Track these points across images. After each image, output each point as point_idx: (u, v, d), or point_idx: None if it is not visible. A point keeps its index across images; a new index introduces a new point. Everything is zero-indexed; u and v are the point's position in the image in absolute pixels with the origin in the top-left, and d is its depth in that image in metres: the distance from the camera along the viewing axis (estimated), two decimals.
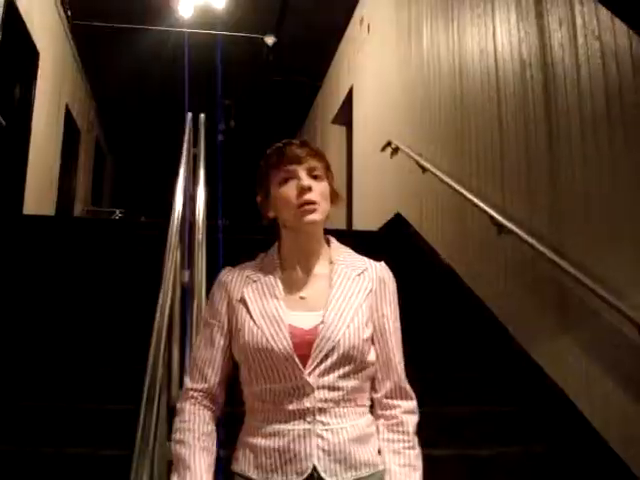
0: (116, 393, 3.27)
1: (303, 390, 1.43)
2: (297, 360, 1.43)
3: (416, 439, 1.53)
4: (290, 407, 1.43)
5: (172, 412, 2.32)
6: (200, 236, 3.36)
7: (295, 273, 1.56)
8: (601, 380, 3.13)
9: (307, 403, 1.43)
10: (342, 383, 1.45)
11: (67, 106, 8.86)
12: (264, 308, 1.50)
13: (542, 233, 3.66)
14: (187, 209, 3.86)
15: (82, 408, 3.23)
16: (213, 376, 1.55)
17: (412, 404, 1.56)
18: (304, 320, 1.48)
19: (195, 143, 5.07)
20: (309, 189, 1.48)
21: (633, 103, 3.02)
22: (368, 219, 7.48)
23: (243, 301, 1.53)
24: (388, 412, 1.54)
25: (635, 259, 2.95)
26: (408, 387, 1.57)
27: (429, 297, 4.82)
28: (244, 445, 1.51)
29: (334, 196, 1.57)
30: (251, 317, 1.49)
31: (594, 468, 3.09)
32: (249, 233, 6.82)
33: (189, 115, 5.38)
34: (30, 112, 6.92)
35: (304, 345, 1.45)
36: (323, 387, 1.43)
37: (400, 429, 1.52)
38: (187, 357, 2.67)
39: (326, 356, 1.44)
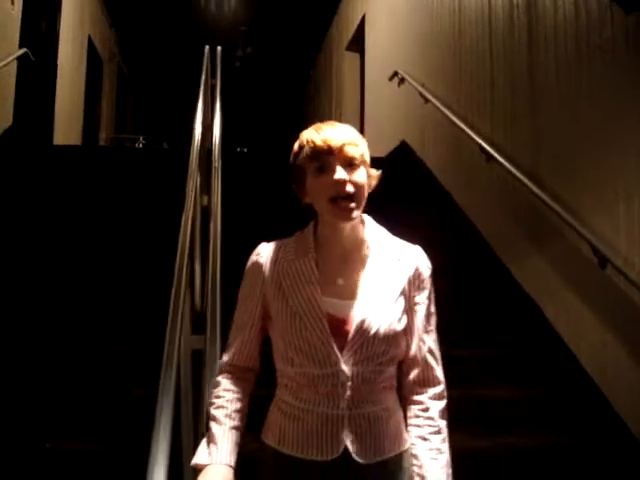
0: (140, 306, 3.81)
1: (337, 377, 1.44)
2: (335, 349, 1.44)
3: (443, 423, 1.54)
4: (325, 391, 1.45)
5: (196, 317, 2.85)
6: (217, 163, 3.80)
7: (330, 257, 1.53)
8: (563, 292, 3.62)
9: (341, 389, 1.44)
10: (376, 370, 1.47)
11: (90, 37, 9.20)
12: (301, 294, 1.48)
13: (522, 161, 4.08)
14: (206, 138, 4.29)
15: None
16: (248, 353, 1.58)
17: (439, 389, 1.55)
18: (340, 308, 1.48)
19: (213, 74, 5.45)
20: (344, 183, 1.43)
21: (597, 44, 3.38)
22: (378, 145, 7.87)
23: (280, 285, 1.51)
24: (416, 397, 1.54)
25: (593, 187, 3.38)
26: (437, 373, 1.56)
27: (427, 215, 5.30)
28: (276, 418, 1.54)
29: (371, 180, 1.52)
30: (288, 303, 1.48)
31: (546, 359, 3.62)
32: (267, 160, 7.30)
33: (207, 48, 5.73)
34: (56, 46, 7.31)
35: (340, 334, 1.45)
36: (357, 375, 1.45)
37: (427, 414, 1.52)
38: (207, 272, 3.15)
39: (361, 345, 1.44)
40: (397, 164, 6.58)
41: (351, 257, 1.53)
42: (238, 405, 1.54)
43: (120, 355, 3.48)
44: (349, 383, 1.44)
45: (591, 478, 3.05)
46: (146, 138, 12.56)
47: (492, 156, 4.32)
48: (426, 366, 1.54)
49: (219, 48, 5.84)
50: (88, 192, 5.35)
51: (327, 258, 1.52)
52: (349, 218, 1.45)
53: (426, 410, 1.53)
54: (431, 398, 1.54)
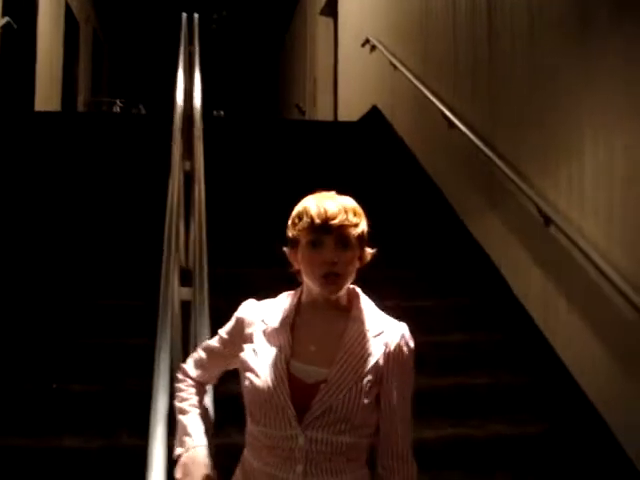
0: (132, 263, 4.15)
1: (296, 441, 1.45)
2: (293, 413, 1.45)
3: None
4: (282, 454, 1.46)
5: (183, 271, 3.18)
6: (198, 132, 4.09)
7: (311, 322, 1.55)
8: (514, 249, 4.02)
9: (298, 454, 1.44)
10: (338, 441, 1.46)
11: (66, 1, 9.31)
12: (270, 356, 1.51)
13: (479, 128, 4.44)
14: (186, 104, 4.56)
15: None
16: (209, 376, 1.71)
17: (412, 471, 1.54)
18: (308, 374, 1.49)
19: (190, 41, 5.69)
20: (335, 264, 1.45)
21: (549, 19, 3.73)
22: (351, 109, 8.18)
23: (253, 345, 1.55)
24: (386, 476, 1.52)
25: (540, 153, 3.76)
26: (410, 457, 1.53)
27: (395, 177, 5.67)
28: (237, 477, 1.60)
29: (365, 257, 1.54)
30: (256, 363, 1.52)
31: (499, 308, 4.04)
32: (245, 124, 7.56)
33: (184, 15, 5.94)
34: (35, 11, 7.46)
35: (304, 399, 1.46)
36: (316, 441, 1.44)
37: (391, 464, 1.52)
38: (191, 230, 3.45)
39: (322, 414, 1.45)
40: (368, 128, 6.92)
41: (331, 326, 1.53)
42: (200, 397, 1.67)
43: (111, 309, 3.83)
44: (307, 448, 1.44)
45: (541, 411, 3.50)
46: (123, 101, 12.71)
47: (453, 123, 4.67)
48: (399, 452, 1.51)
49: (196, 15, 6.04)
50: (72, 157, 5.58)
51: (308, 322, 1.55)
52: (334, 293, 1.50)
53: (390, 468, 1.52)
54: (403, 478, 1.52)
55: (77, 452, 2.96)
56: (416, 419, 1.57)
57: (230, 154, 5.61)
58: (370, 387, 1.48)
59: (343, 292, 1.52)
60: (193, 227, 3.39)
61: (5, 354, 3.42)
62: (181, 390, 1.67)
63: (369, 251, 1.54)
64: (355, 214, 1.48)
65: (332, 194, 1.53)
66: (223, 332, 1.64)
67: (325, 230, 1.45)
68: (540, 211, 3.62)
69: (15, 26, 6.31)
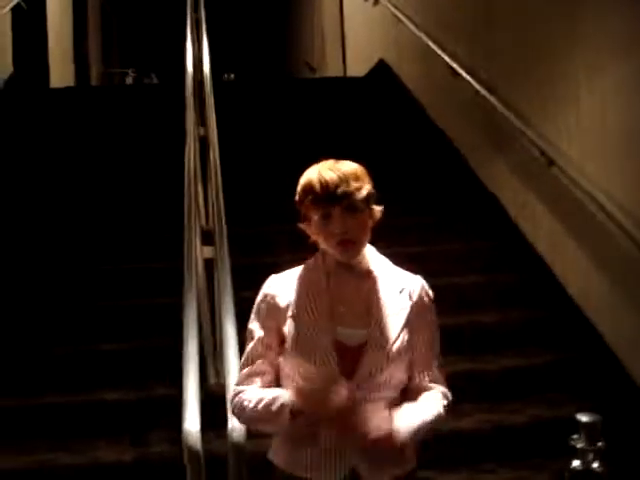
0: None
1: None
2: (342, 378, 1.48)
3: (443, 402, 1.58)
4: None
5: (204, 232, 3.38)
6: (209, 99, 4.24)
7: (339, 287, 1.57)
8: (522, 190, 4.16)
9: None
10: (383, 395, 1.51)
11: None
12: (312, 324, 1.53)
13: (483, 76, 4.53)
14: (196, 71, 4.69)
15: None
16: (264, 383, 1.57)
17: (443, 390, 1.60)
18: (352, 337, 1.53)
19: (196, 9, 5.79)
20: (346, 232, 1.49)
21: None
22: (359, 64, 8.24)
23: (293, 318, 1.55)
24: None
25: (542, 97, 3.87)
26: (441, 386, 1.60)
27: (405, 129, 5.79)
28: (283, 438, 1.58)
29: (376, 216, 1.56)
30: (300, 335, 1.53)
31: (513, 250, 4.21)
32: (255, 86, 7.67)
33: None
34: None
35: (349, 362, 1.50)
36: (366, 400, 1.48)
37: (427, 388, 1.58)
38: (209, 195, 3.63)
39: (369, 374, 1.50)
40: (376, 82, 7.01)
41: (359, 287, 1.57)
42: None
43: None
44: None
45: (546, 341, 3.69)
46: (135, 71, 12.83)
47: (457, 72, 4.76)
48: (431, 382, 1.58)
49: None
50: (89, 130, 5.74)
51: (337, 288, 1.57)
52: (353, 257, 1.54)
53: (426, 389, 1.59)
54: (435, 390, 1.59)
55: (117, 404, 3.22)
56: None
57: (242, 117, 5.75)
58: (407, 340, 1.54)
59: (361, 254, 1.56)
60: (210, 190, 3.58)
61: (38, 320, 3.67)
62: (239, 394, 1.56)
63: (377, 209, 1.56)
64: (357, 178, 1.51)
65: (331, 162, 1.54)
66: (257, 325, 1.58)
67: (330, 201, 1.48)
68: (543, 153, 3.74)
69: (25, 7, 6.45)
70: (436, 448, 2.33)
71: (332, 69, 9.88)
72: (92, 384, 3.33)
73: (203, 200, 3.69)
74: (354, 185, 1.49)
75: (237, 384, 1.59)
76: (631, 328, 3.21)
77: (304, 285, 1.58)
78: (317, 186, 1.49)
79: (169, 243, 3.63)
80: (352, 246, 1.51)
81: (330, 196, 1.47)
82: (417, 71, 6.02)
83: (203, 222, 3.71)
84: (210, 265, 3.15)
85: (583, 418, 1.70)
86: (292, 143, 5.27)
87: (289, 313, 1.55)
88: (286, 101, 6.36)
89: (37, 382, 3.34)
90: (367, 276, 1.58)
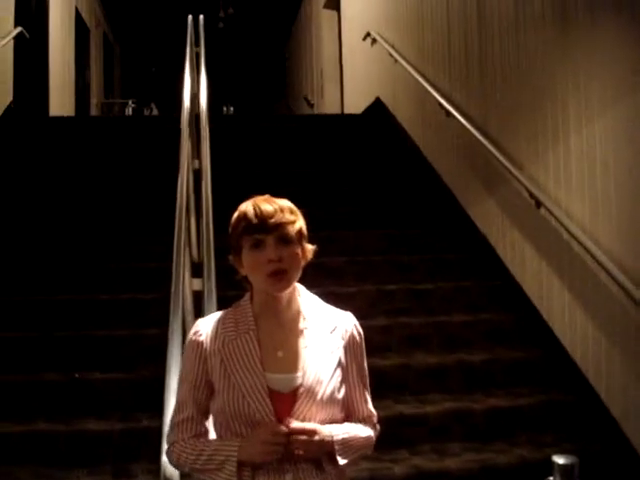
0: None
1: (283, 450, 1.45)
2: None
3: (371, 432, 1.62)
4: (270, 465, 1.46)
5: (194, 265, 3.41)
6: (205, 132, 4.29)
7: (269, 329, 1.54)
8: (511, 230, 4.20)
9: (287, 464, 1.46)
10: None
11: (76, 8, 9.55)
12: (244, 372, 1.49)
13: (475, 117, 4.61)
14: (194, 104, 4.76)
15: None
16: (197, 427, 1.55)
17: (376, 424, 1.65)
18: (283, 383, 1.49)
19: (197, 43, 5.89)
20: (278, 261, 1.47)
21: (531, 14, 3.89)
22: (356, 100, 8.37)
23: (221, 362, 1.51)
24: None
25: (530, 139, 3.93)
26: (374, 418, 1.64)
27: (398, 165, 5.86)
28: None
29: (307, 254, 1.55)
30: (230, 381, 1.49)
31: (499, 290, 4.24)
32: (254, 120, 7.76)
33: (190, 17, 6.13)
34: (47, 22, 7.70)
35: (284, 409, 1.47)
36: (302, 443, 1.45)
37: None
38: (201, 225, 3.66)
39: (304, 419, 1.47)
40: (372, 119, 7.11)
41: (289, 328, 1.54)
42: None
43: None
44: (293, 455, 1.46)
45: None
46: (135, 101, 12.97)
47: (450, 112, 4.84)
48: (361, 414, 1.61)
49: (201, 17, 6.21)
50: (86, 159, 5.83)
51: (266, 331, 1.54)
52: (284, 289, 1.50)
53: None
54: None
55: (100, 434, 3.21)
56: None
57: (238, 150, 5.82)
58: (340, 382, 1.53)
59: (291, 289, 1.54)
60: (202, 223, 3.60)
61: (29, 345, 3.68)
62: (182, 453, 1.52)
63: (310, 247, 1.55)
64: (291, 212, 1.52)
65: (267, 196, 1.55)
66: (185, 371, 1.56)
67: (264, 230, 1.47)
68: (531, 195, 3.80)
69: (27, 35, 6.55)
70: None
71: (330, 106, 10.02)
72: (77, 413, 3.33)
73: (195, 232, 3.72)
74: (289, 217, 1.50)
75: (169, 434, 1.56)
76: (618, 371, 3.22)
77: (232, 329, 1.54)
78: (251, 214, 1.49)
79: (158, 274, 3.65)
80: (284, 276, 1.48)
81: (264, 225, 1.47)
82: (412, 110, 6.11)
83: (195, 254, 3.74)
84: (198, 297, 3.16)
85: (559, 460, 1.72)
86: (286, 177, 5.32)
87: (217, 359, 1.51)
88: (283, 136, 6.44)
89: (26, 408, 3.34)
90: (297, 317, 1.56)
